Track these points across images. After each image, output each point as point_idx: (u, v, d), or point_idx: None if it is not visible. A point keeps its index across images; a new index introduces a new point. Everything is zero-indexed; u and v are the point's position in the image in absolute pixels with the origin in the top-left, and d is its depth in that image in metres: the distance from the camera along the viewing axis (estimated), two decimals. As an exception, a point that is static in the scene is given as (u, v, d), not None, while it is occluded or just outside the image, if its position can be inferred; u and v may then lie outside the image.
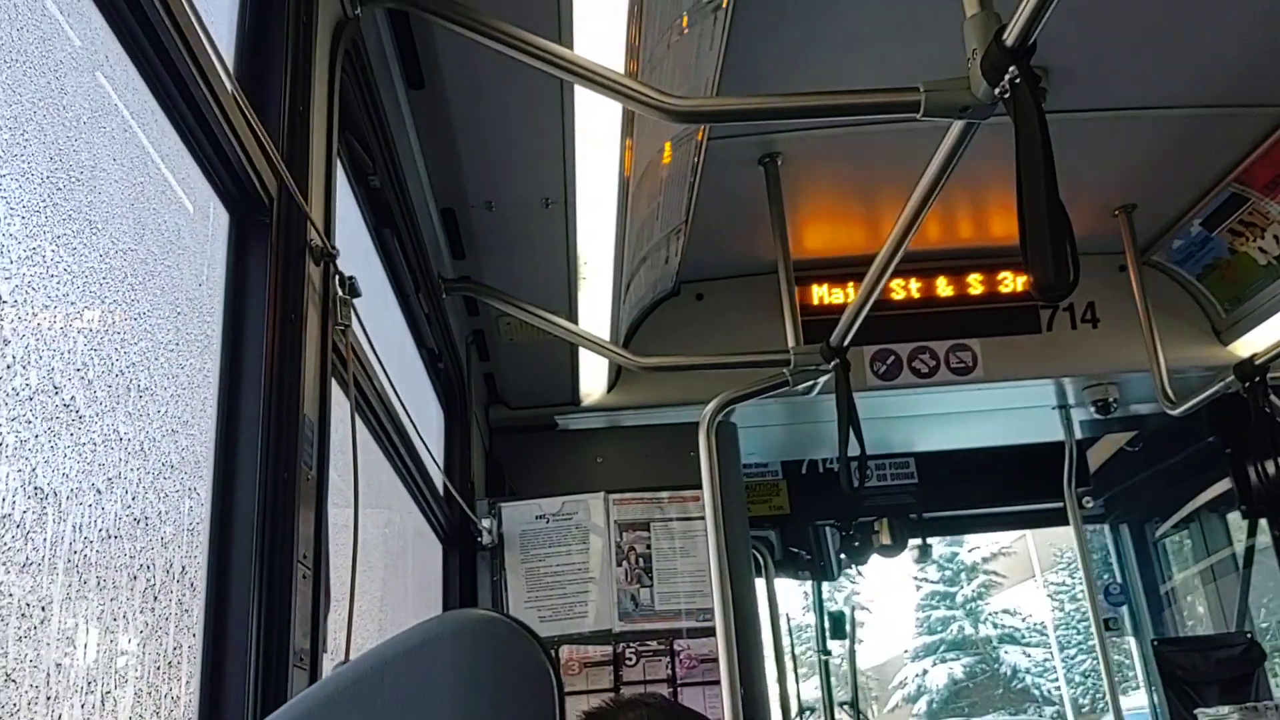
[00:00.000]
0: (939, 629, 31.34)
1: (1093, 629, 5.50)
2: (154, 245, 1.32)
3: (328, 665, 1.71)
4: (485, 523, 3.75)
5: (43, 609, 1.01)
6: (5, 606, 1.01)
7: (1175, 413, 4.09)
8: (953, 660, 30.56)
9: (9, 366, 1.00)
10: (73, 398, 1.09)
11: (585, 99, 2.63)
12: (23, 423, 1.02)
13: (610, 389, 4.46)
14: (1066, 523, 5.53)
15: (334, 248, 1.80)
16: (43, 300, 1.05)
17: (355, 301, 1.93)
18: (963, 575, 31.26)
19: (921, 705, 30.18)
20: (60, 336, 1.08)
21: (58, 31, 1.13)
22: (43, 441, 1.03)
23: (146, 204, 1.30)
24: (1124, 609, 6.40)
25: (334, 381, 1.88)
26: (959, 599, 31.36)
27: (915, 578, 30.74)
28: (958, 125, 2.15)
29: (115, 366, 1.19)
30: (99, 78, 1.23)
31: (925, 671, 30.69)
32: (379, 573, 2.78)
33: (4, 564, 0.97)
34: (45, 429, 1.04)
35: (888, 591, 29.92)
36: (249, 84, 1.59)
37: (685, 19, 2.82)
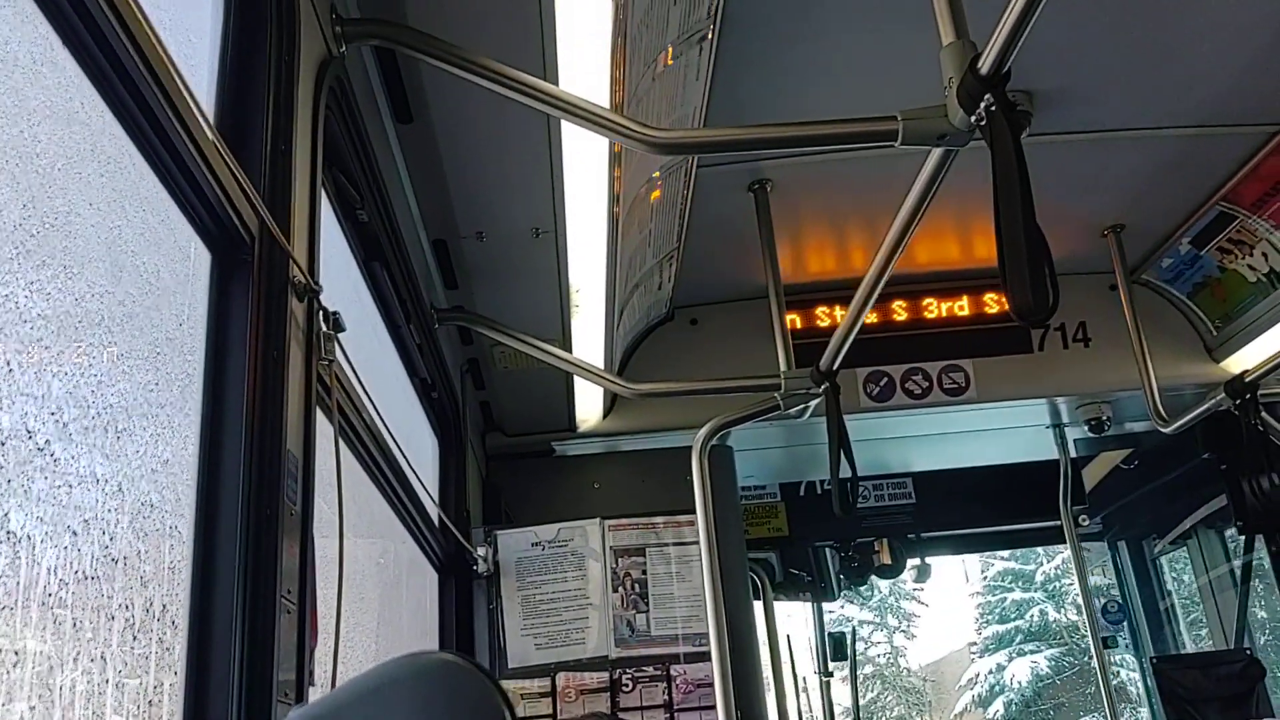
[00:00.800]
0: (1013, 615, 27.12)
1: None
2: (132, 287, 1.33)
3: (315, 699, 1.72)
4: (480, 550, 3.75)
5: (15, 653, 1.02)
6: (-20, 650, 1.02)
7: (1168, 430, 4.10)
8: (1034, 653, 26.16)
9: (-18, 412, 1.01)
10: (47, 441, 1.11)
11: (573, 130, 2.65)
12: (-4, 467, 1.03)
13: (606, 414, 4.47)
14: (1064, 541, 5.52)
15: (317, 283, 1.82)
16: (15, 346, 1.07)
17: (343, 335, 1.95)
18: (1042, 549, 25.01)
19: (998, 707, 26.01)
20: (34, 381, 1.10)
21: (30, 80, 1.15)
22: (15, 486, 1.05)
23: (124, 246, 1.32)
24: (1123, 626, 6.38)
25: (322, 416, 1.89)
26: (1038, 578, 26.92)
27: (983, 556, 25.99)
28: (937, 152, 2.17)
29: (92, 409, 1.20)
30: (73, 126, 1.25)
31: (1000, 667, 26.44)
32: (373, 604, 2.79)
33: (-23, 608, 0.98)
34: (18, 473, 1.05)
35: (943, 576, 25.99)
36: (229, 124, 1.61)
37: (670, 51, 2.85)
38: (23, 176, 1.09)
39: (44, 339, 1.11)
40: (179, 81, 1.31)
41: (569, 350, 3.74)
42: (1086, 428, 4.64)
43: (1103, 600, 6.46)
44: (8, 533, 1.03)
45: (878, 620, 30.53)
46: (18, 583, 1.04)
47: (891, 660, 30.62)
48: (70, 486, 1.15)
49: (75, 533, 1.15)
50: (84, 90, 1.23)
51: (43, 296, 1.11)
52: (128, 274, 1.32)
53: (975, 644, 28.56)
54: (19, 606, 1.04)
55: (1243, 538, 5.28)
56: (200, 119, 1.39)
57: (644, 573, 3.84)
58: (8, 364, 1.05)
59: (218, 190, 1.46)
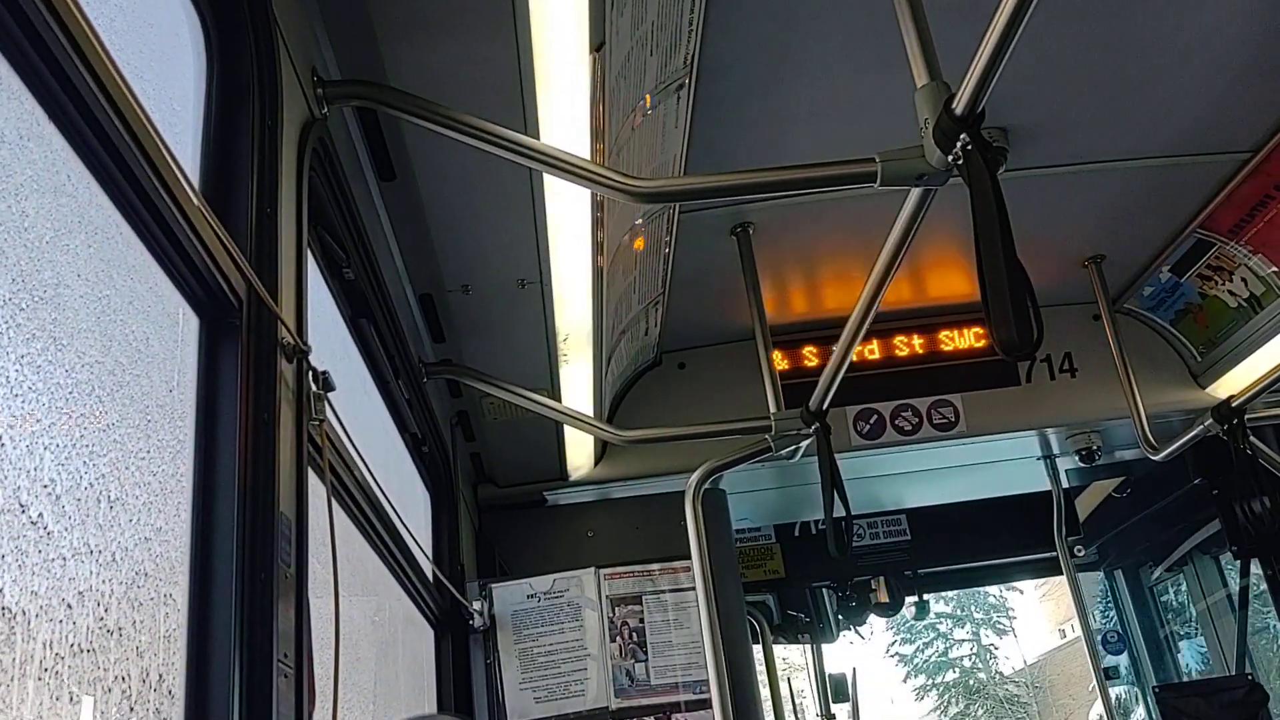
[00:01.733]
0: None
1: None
2: (122, 355, 1.33)
3: (314, 764, 1.70)
4: (476, 605, 3.72)
5: (13, 729, 1.01)
6: (-24, 728, 1.01)
7: (1158, 458, 4.12)
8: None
9: (-25, 487, 1.01)
10: (40, 514, 1.10)
11: (555, 182, 2.68)
12: (-10, 542, 1.02)
13: (598, 462, 4.46)
14: (1061, 572, 5.51)
15: (306, 344, 1.82)
16: (6, 420, 1.06)
17: (332, 393, 1.95)
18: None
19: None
20: (26, 454, 1.10)
21: (17, 156, 1.15)
22: (9, 561, 1.04)
23: (113, 315, 1.32)
24: (1123, 656, 6.36)
25: (313, 476, 1.89)
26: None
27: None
28: (916, 191, 2.20)
29: (84, 480, 1.20)
30: (61, 198, 1.26)
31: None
32: (369, 663, 2.77)
33: (-27, 686, 0.97)
34: (12, 548, 1.05)
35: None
36: (214, 190, 1.62)
37: (648, 99, 2.88)
38: (11, 251, 1.10)
39: (35, 412, 1.11)
40: (164, 150, 1.32)
41: (558, 399, 3.74)
42: (1077, 458, 4.65)
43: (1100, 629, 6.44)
44: (3, 608, 1.02)
45: (959, 613, 26.49)
46: (14, 658, 1.03)
47: (980, 662, 26.15)
48: (64, 559, 1.14)
49: (70, 605, 1.15)
50: (70, 163, 1.24)
51: (33, 369, 1.11)
52: (117, 343, 1.32)
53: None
54: (15, 682, 1.03)
55: (1239, 562, 5.28)
56: (185, 186, 1.40)
57: (641, 621, 3.82)
58: (0, 439, 1.05)
59: (204, 256, 1.47)
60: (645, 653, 3.78)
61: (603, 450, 4.43)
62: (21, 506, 1.07)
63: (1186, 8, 3.01)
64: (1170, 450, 4.08)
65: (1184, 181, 3.87)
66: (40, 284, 1.15)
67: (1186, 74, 3.30)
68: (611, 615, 3.82)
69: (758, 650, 5.63)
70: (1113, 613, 6.79)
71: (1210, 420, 3.93)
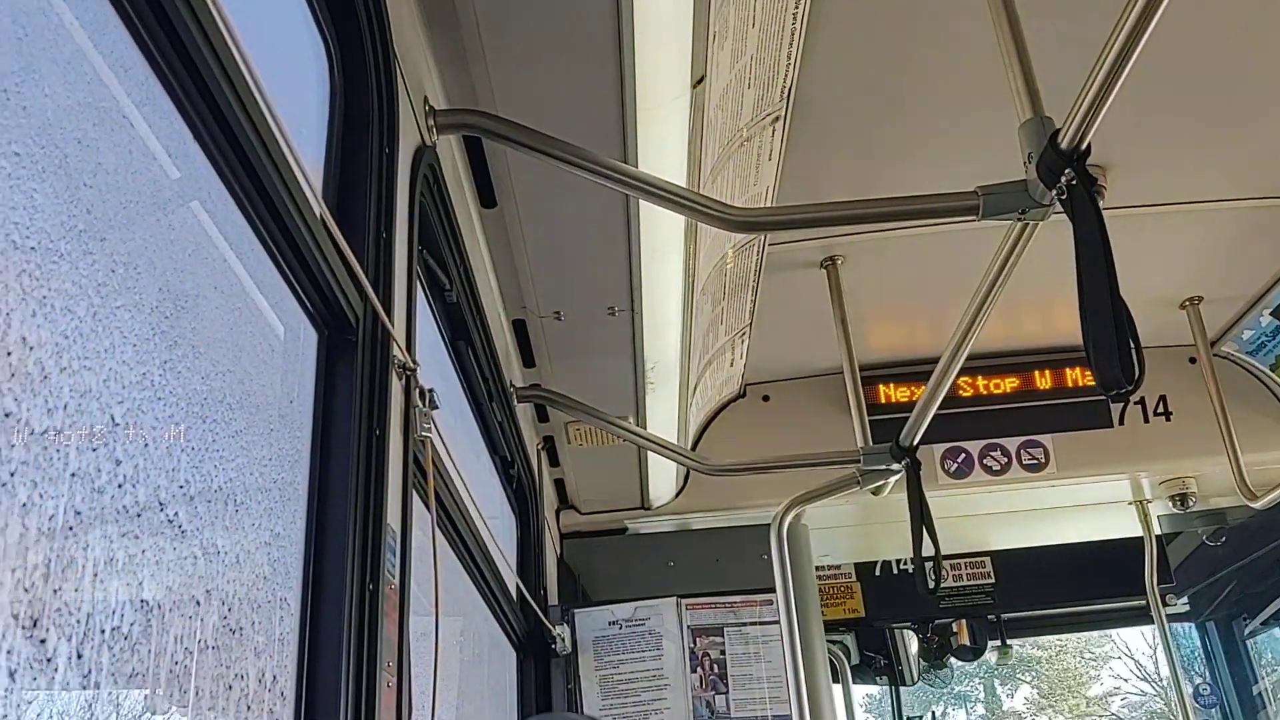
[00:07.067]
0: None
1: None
2: (250, 366, 1.39)
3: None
4: (559, 630, 3.75)
5: None
6: (113, 718, 1.06)
7: (1257, 505, 4.01)
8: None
9: (120, 485, 1.06)
10: (176, 513, 1.16)
11: (649, 210, 2.72)
12: (131, 539, 1.08)
13: (679, 492, 4.48)
14: (1150, 621, 5.36)
15: (415, 362, 1.88)
16: (150, 422, 1.12)
17: (434, 412, 2.00)
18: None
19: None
20: (165, 455, 1.15)
21: (162, 168, 1.22)
22: (149, 556, 1.09)
23: (244, 327, 1.39)
24: (1215, 711, 6.15)
25: (414, 492, 1.94)
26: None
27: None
28: (1017, 226, 2.19)
29: (214, 482, 1.25)
30: (199, 210, 1.33)
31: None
32: (455, 681, 2.80)
33: (114, 675, 1.02)
34: (151, 544, 1.10)
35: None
36: (337, 211, 1.69)
37: (744, 131, 2.91)
38: (159, 261, 1.16)
39: (175, 415, 1.17)
40: (298, 173, 1.39)
41: (643, 427, 3.76)
42: (1171, 503, 4.54)
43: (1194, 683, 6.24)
44: (141, 601, 1.07)
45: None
46: (149, 650, 1.08)
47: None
48: (195, 558, 1.19)
49: (199, 603, 1.20)
50: (210, 180, 1.30)
51: (174, 375, 1.17)
52: (246, 354, 1.38)
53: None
54: (149, 674, 1.08)
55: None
56: (315, 208, 1.46)
57: (722, 653, 3.81)
58: (144, 439, 1.10)
59: (327, 273, 1.53)
60: (726, 685, 3.76)
61: (685, 480, 4.44)
62: (161, 505, 1.12)
63: (1293, 45, 2.97)
64: (1270, 498, 3.97)
65: (1286, 223, 3.79)
66: (182, 294, 1.21)
67: (1289, 113, 3.24)
68: (692, 646, 3.81)
69: (837, 690, 5.56)
70: (1202, 664, 6.59)
71: (1313, 468, 3.82)
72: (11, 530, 0.87)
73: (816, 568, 5.11)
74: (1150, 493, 4.70)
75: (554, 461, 4.16)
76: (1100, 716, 25.92)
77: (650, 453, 3.92)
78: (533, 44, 2.24)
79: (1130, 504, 4.90)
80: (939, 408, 3.01)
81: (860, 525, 5.07)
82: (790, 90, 2.90)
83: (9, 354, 0.87)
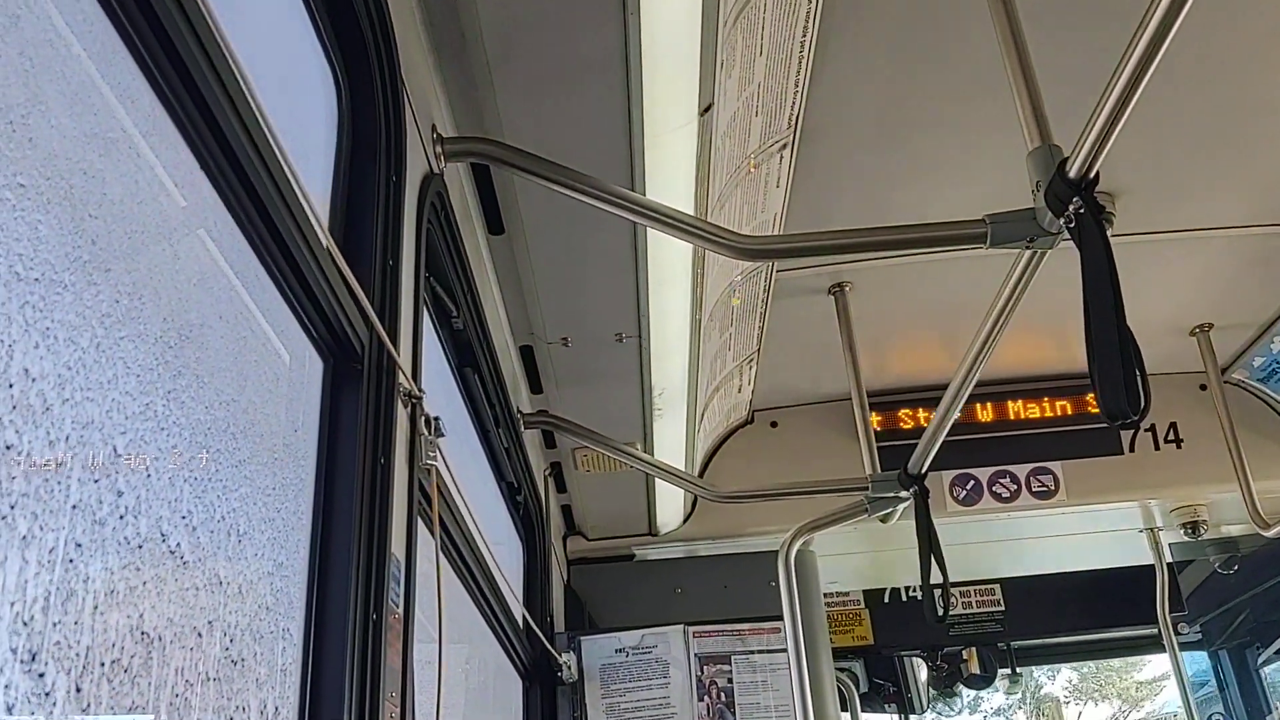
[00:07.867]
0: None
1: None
2: (254, 395, 1.39)
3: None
4: (565, 657, 3.73)
5: (147, 753, 1.04)
6: (112, 750, 1.05)
7: (1270, 534, 3.98)
8: None
9: (122, 517, 1.05)
10: (178, 544, 1.15)
11: (656, 237, 2.72)
12: (133, 570, 1.07)
13: (687, 519, 4.46)
14: (1162, 649, 5.31)
15: (421, 390, 1.87)
16: (153, 452, 1.12)
17: (439, 440, 1.99)
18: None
19: None
20: (168, 486, 1.14)
21: (170, 198, 1.22)
22: (150, 588, 1.08)
23: (248, 356, 1.38)
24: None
25: (419, 519, 1.93)
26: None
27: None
28: (1025, 254, 2.19)
29: (217, 513, 1.25)
30: (205, 238, 1.32)
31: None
32: (460, 710, 2.78)
33: (113, 708, 1.01)
34: (153, 575, 1.09)
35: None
36: (343, 238, 1.69)
37: (752, 159, 2.92)
38: (164, 290, 1.16)
39: (178, 445, 1.16)
40: (303, 202, 1.39)
41: (650, 454, 3.75)
42: (1182, 531, 4.51)
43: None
44: (142, 633, 1.06)
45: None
46: (149, 682, 1.07)
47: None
48: (198, 589, 1.18)
49: (200, 634, 1.19)
50: (216, 209, 1.30)
51: (178, 404, 1.17)
52: (251, 382, 1.38)
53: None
54: (150, 706, 1.07)
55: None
56: (320, 236, 1.46)
57: (730, 681, 3.78)
58: (146, 469, 1.10)
59: (333, 301, 1.53)
60: (733, 713, 3.73)
61: (693, 507, 4.43)
62: (163, 536, 1.12)
63: (1302, 73, 2.97)
64: (1282, 526, 3.94)
65: (1297, 250, 3.78)
66: (187, 323, 1.21)
67: (1298, 140, 3.24)
68: (700, 674, 3.79)
69: (846, 718, 5.52)
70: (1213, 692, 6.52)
71: (1326, 496, 3.79)
72: (11, 563, 0.86)
73: (825, 595, 5.08)
74: (1161, 520, 4.67)
75: (561, 488, 4.15)
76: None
77: (658, 479, 3.91)
78: (541, 71, 2.24)
79: (1141, 531, 4.87)
80: (948, 434, 2.99)
81: (869, 552, 5.04)
82: (798, 118, 2.90)
83: (11, 386, 0.87)
